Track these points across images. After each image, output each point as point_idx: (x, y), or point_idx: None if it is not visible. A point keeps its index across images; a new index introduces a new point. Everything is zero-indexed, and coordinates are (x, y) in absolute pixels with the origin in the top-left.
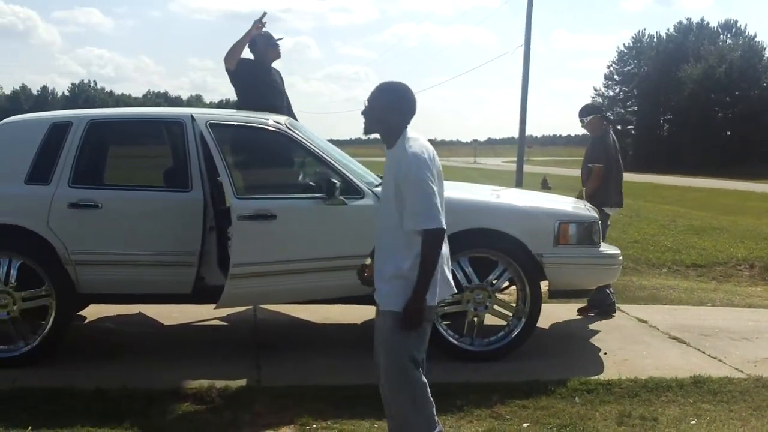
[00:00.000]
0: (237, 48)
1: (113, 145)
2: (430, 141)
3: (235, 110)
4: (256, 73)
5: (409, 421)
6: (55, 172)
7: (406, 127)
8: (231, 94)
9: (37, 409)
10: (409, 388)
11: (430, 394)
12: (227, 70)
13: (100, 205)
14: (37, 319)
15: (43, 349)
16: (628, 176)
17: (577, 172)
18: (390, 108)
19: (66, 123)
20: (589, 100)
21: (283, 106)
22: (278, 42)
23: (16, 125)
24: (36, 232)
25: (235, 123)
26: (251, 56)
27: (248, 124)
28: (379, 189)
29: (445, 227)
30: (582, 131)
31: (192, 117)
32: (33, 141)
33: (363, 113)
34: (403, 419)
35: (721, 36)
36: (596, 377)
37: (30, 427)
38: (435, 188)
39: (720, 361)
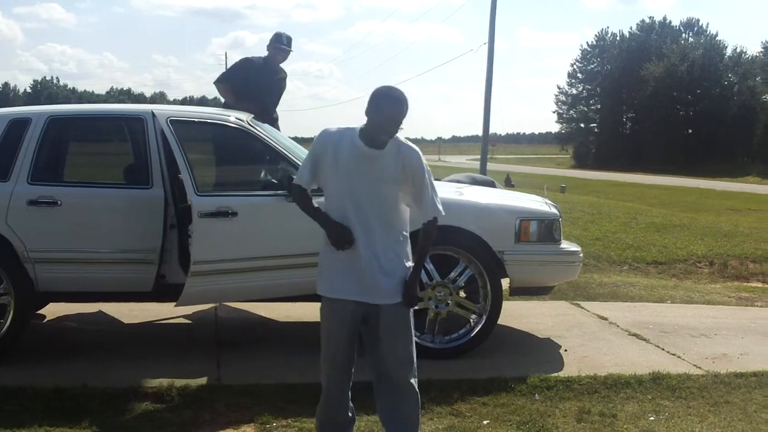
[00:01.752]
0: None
1: (73, 142)
2: None
3: (196, 107)
4: (257, 73)
5: (418, 403)
6: (14, 169)
7: None
8: (194, 91)
9: None
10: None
11: None
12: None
13: (59, 202)
14: None
15: (2, 349)
16: (590, 174)
17: (539, 170)
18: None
19: (25, 119)
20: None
21: (274, 106)
22: (285, 47)
23: None
24: None
25: (196, 119)
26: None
27: (210, 121)
28: None
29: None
30: (545, 129)
31: (153, 113)
32: None
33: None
34: (417, 404)
35: (683, 34)
36: (556, 374)
37: None
38: None
39: (679, 357)
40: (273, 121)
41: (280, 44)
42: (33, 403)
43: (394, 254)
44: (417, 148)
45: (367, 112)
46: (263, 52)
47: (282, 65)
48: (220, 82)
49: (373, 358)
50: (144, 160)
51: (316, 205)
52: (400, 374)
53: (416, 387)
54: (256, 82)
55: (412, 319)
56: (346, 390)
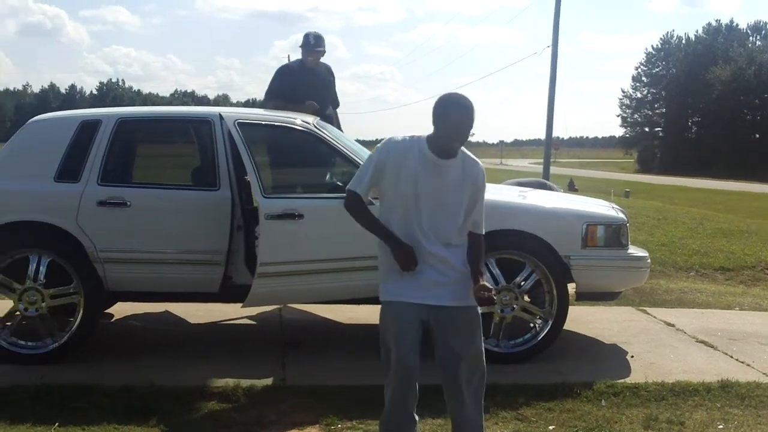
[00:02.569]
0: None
1: (142, 144)
2: None
3: (263, 109)
4: (296, 76)
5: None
6: (85, 170)
7: None
8: (257, 93)
9: (64, 405)
10: None
11: None
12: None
13: (128, 203)
14: (65, 317)
15: (71, 347)
16: (654, 178)
17: (603, 174)
18: None
19: (95, 121)
20: (616, 102)
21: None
22: (314, 50)
23: (46, 123)
24: (65, 229)
25: (263, 122)
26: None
27: (276, 123)
28: None
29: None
30: (609, 133)
31: (220, 116)
32: (63, 139)
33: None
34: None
35: (751, 37)
36: (623, 380)
37: (57, 424)
38: None
39: (748, 365)
40: (328, 119)
41: (308, 46)
42: (101, 400)
43: (455, 259)
44: (481, 164)
45: (434, 121)
46: (325, 55)
47: (323, 60)
48: (268, 101)
49: (441, 362)
50: (211, 162)
51: (375, 217)
52: (470, 376)
53: (483, 394)
54: (294, 86)
55: (480, 321)
56: (410, 397)
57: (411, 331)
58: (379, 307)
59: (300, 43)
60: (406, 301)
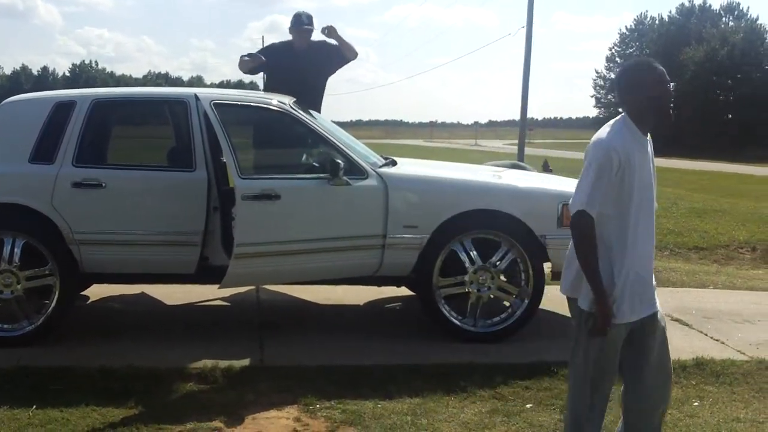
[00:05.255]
0: (242, 65)
1: (117, 125)
2: (431, 123)
3: (238, 90)
4: (278, 58)
5: None
6: (59, 152)
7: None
8: (231, 75)
9: (41, 388)
10: None
11: None
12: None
13: (104, 184)
14: (41, 299)
15: (48, 329)
16: None
17: (578, 155)
18: None
19: (70, 102)
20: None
21: (306, 88)
22: (305, 27)
23: (20, 104)
24: (40, 211)
25: (239, 102)
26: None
27: (252, 104)
28: (384, 170)
29: (584, 209)
30: (583, 114)
31: (196, 96)
32: (37, 120)
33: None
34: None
35: (724, 18)
36: None
37: (34, 406)
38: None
39: (722, 343)
40: (318, 100)
41: (300, 25)
42: (79, 383)
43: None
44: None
45: (639, 92)
46: None
47: (314, 39)
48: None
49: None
50: (187, 143)
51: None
52: (666, 390)
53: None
54: (273, 68)
55: None
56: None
57: (617, 355)
58: (355, 287)
59: (282, 26)
60: (637, 318)
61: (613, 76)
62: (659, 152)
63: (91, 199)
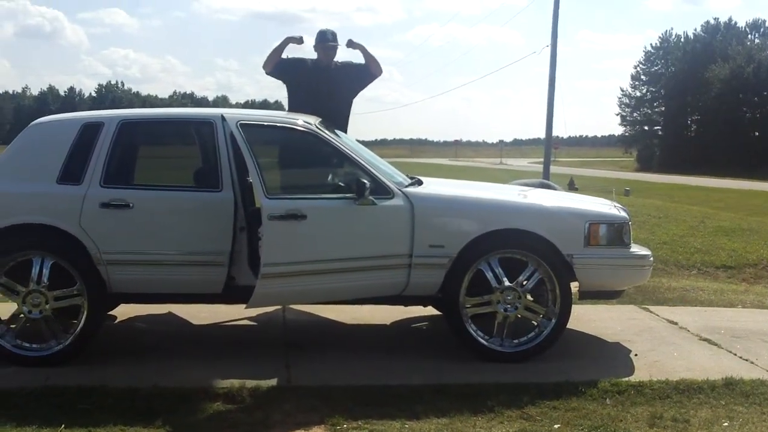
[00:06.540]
0: (273, 54)
1: (144, 145)
2: (456, 142)
3: (264, 110)
4: (301, 74)
5: None
6: (87, 172)
7: None
8: (255, 94)
9: (69, 407)
10: None
11: None
12: (267, 73)
13: (131, 204)
14: (69, 319)
15: (75, 348)
16: (654, 177)
17: (603, 173)
18: None
19: (98, 123)
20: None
21: (331, 108)
22: (332, 45)
23: (48, 125)
24: (68, 231)
25: (265, 123)
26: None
27: (278, 124)
28: (409, 189)
29: None
30: (608, 132)
31: (222, 117)
32: (65, 141)
33: None
34: None
35: (749, 35)
36: (627, 378)
37: (63, 426)
38: None
39: (752, 363)
40: (344, 120)
41: (325, 41)
42: (106, 402)
43: None
44: None
45: None
46: None
47: (339, 59)
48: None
49: None
50: (214, 164)
51: None
52: None
53: None
54: (297, 85)
55: None
56: None
57: None
58: (381, 307)
59: (305, 45)
60: None
61: (638, 94)
62: (683, 170)
63: (118, 219)
